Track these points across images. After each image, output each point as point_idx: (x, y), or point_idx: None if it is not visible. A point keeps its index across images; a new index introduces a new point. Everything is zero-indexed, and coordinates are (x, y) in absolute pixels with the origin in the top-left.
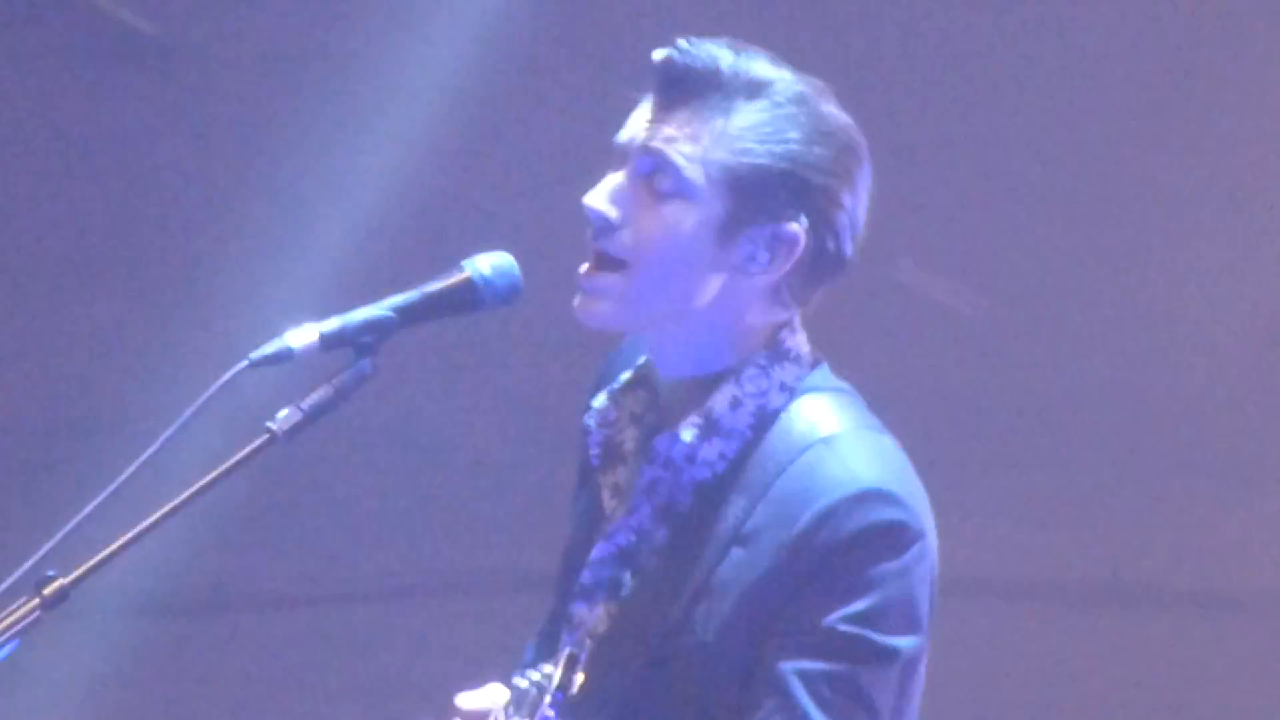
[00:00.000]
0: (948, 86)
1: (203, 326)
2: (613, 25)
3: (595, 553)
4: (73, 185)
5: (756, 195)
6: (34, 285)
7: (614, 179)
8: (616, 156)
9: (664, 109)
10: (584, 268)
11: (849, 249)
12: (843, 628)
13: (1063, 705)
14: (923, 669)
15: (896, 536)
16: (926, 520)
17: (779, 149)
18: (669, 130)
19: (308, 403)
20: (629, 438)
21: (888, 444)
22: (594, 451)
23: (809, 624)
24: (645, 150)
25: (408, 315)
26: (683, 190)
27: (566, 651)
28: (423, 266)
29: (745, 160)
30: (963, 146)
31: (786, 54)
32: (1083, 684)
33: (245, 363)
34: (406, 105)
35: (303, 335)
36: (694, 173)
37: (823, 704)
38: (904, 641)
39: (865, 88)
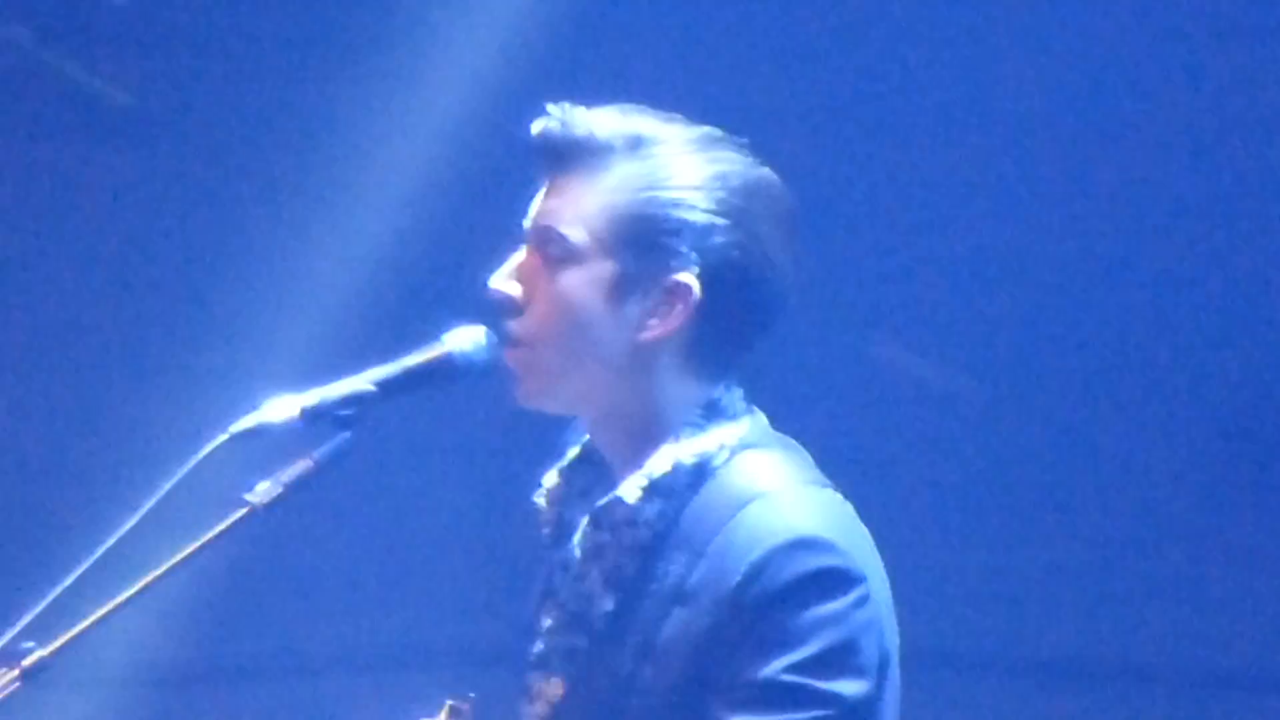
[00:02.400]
0: (923, 158)
1: (183, 397)
2: (622, 61)
3: (548, 622)
4: (48, 258)
5: (642, 249)
6: (10, 356)
7: (515, 258)
8: (520, 234)
9: (551, 182)
10: (505, 354)
11: (759, 295)
12: (784, 678)
13: None
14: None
15: (833, 582)
16: (868, 567)
17: (659, 195)
18: (554, 202)
19: (287, 476)
20: (578, 514)
21: (828, 496)
22: (545, 530)
23: (750, 677)
24: (536, 220)
25: (387, 389)
26: (570, 254)
27: (448, 704)
28: (406, 331)
29: (629, 216)
30: (939, 219)
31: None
32: None
33: (225, 436)
34: (382, 176)
35: (283, 408)
36: (577, 235)
37: None
38: (847, 688)
39: (844, 160)
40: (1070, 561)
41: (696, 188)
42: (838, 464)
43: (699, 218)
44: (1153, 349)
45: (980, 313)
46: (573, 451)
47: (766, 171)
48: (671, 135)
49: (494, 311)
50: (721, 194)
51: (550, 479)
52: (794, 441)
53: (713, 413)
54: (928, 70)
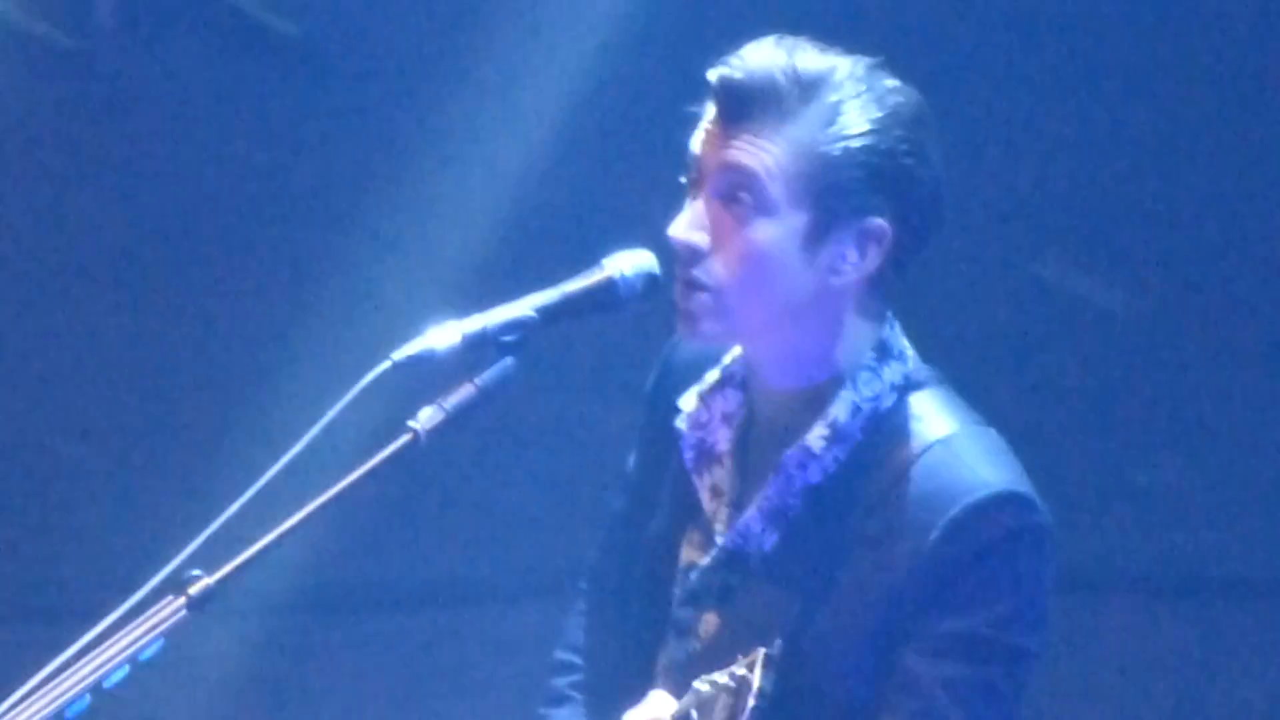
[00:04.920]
0: (1080, 77)
1: (344, 324)
2: (740, 18)
3: (701, 557)
4: (208, 182)
5: (836, 197)
6: (175, 280)
7: (694, 207)
8: (690, 179)
9: (729, 127)
10: (677, 293)
11: (936, 220)
12: (983, 631)
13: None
14: None
15: (1034, 540)
16: (1047, 513)
17: (850, 145)
18: (738, 152)
19: (451, 402)
20: (722, 439)
21: (996, 439)
22: (688, 455)
23: (949, 629)
24: (722, 171)
25: (549, 315)
26: (764, 207)
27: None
28: (556, 265)
29: (819, 165)
30: (1103, 141)
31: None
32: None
33: (388, 363)
34: (539, 102)
35: (445, 335)
36: (773, 188)
37: (966, 709)
38: (1035, 641)
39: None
40: (1232, 479)
41: (876, 130)
42: (1011, 390)
43: (884, 160)
44: None
45: (1142, 231)
46: (712, 375)
47: (919, 95)
48: (842, 74)
49: (677, 260)
50: (899, 131)
51: (689, 403)
52: (938, 371)
53: (884, 354)
54: None
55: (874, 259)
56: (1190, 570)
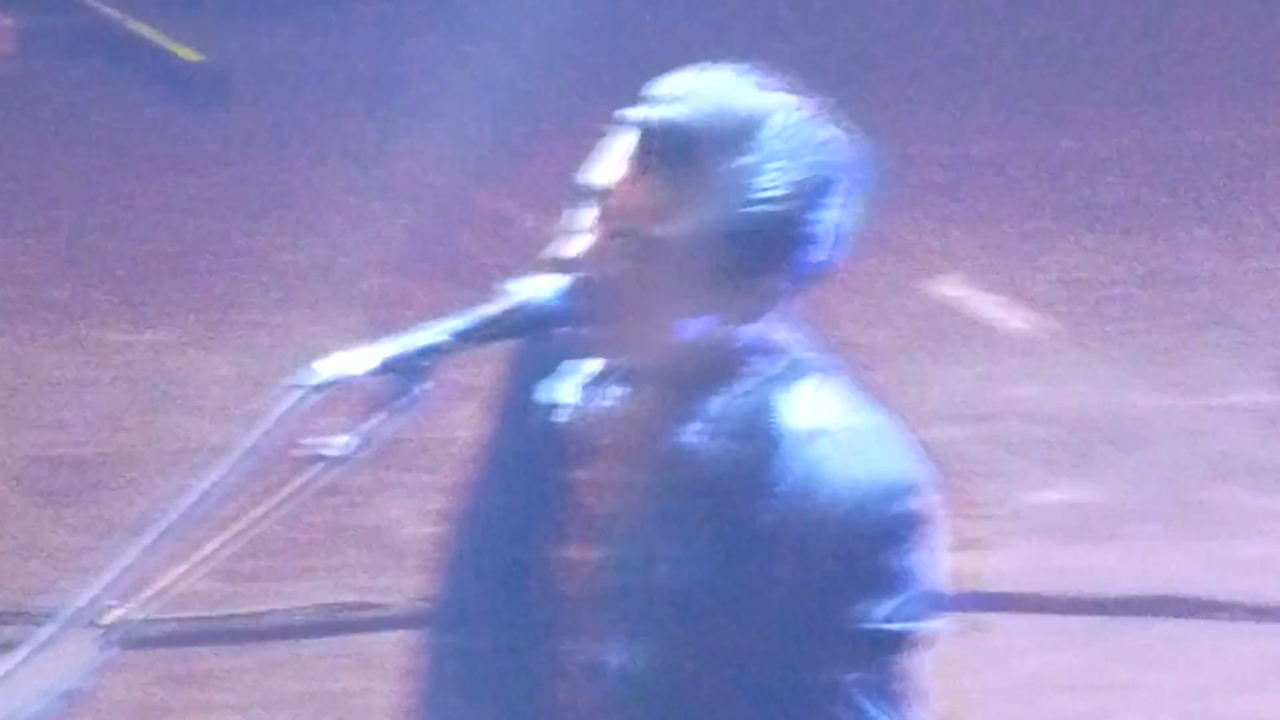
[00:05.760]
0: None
1: (250, 351)
2: (654, 32)
3: (591, 556)
4: (112, 211)
5: (738, 256)
6: (75, 306)
7: (589, 234)
8: (593, 199)
9: (643, 170)
10: (573, 305)
11: (832, 269)
12: (886, 625)
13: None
14: None
15: (928, 528)
16: (938, 501)
17: (762, 210)
18: (647, 199)
19: (363, 429)
20: (603, 431)
21: (884, 422)
22: (569, 448)
23: (856, 626)
24: (623, 216)
25: (463, 339)
26: (659, 255)
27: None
28: (468, 289)
29: (727, 227)
30: (1015, 161)
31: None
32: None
33: (302, 390)
34: (443, 125)
35: (360, 361)
36: (671, 242)
37: (885, 705)
38: (934, 626)
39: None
40: (1131, 498)
41: (792, 196)
42: (919, 409)
43: (792, 228)
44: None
45: (1042, 247)
46: (593, 366)
47: (850, 143)
48: (774, 126)
49: (576, 282)
50: (815, 197)
51: (568, 394)
52: (831, 358)
53: (766, 346)
54: None
55: (765, 310)
56: (1090, 590)
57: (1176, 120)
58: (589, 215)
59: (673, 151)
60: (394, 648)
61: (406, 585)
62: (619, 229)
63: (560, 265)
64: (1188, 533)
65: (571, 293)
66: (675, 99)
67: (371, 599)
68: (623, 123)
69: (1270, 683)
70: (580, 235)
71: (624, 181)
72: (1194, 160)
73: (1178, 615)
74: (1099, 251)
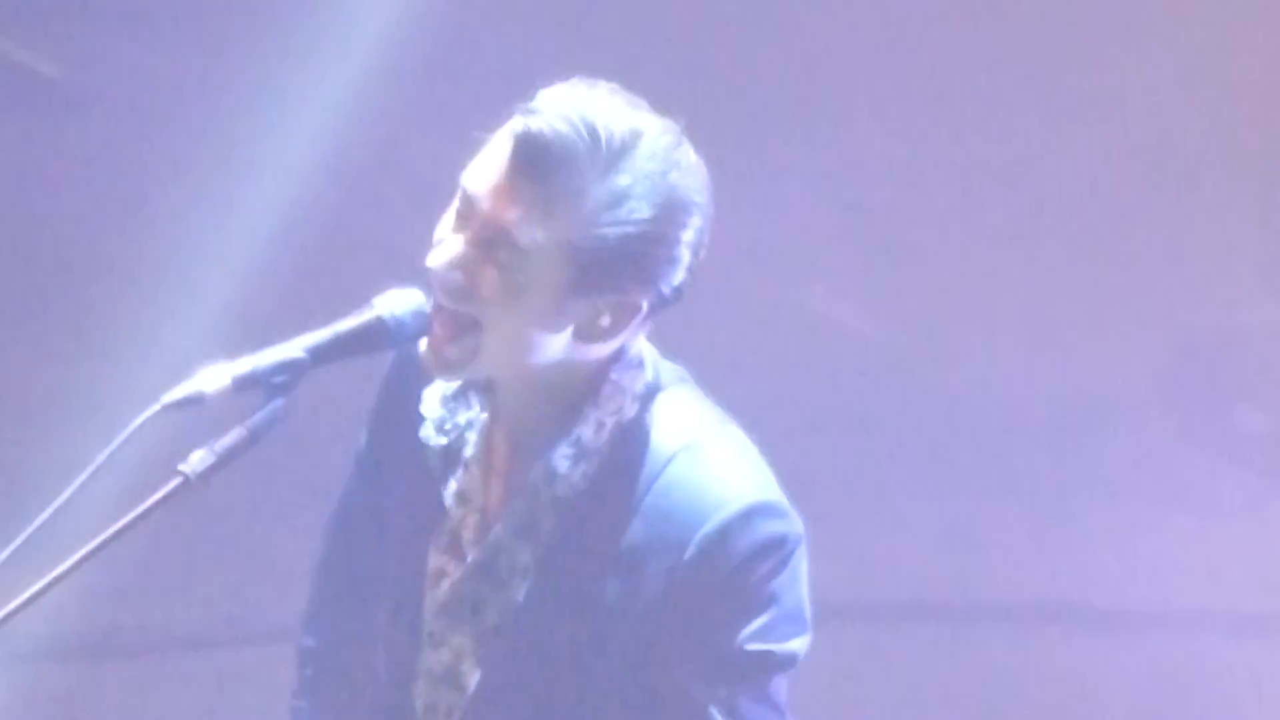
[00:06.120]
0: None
1: (110, 369)
2: (515, 46)
3: (454, 569)
4: None
5: (601, 273)
6: None
7: (455, 242)
8: (459, 210)
9: (516, 179)
10: (433, 319)
11: (691, 289)
12: (749, 646)
13: None
14: None
15: (789, 548)
16: (797, 516)
17: (629, 231)
18: (517, 207)
19: (221, 445)
20: (468, 444)
21: (741, 439)
22: (434, 461)
23: (715, 647)
24: (492, 225)
25: (318, 355)
26: (523, 269)
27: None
28: (326, 304)
29: (592, 242)
30: (872, 173)
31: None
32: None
33: (157, 406)
34: (300, 139)
35: (215, 377)
36: (538, 253)
37: None
38: (801, 644)
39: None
40: (1004, 506)
41: (658, 219)
42: (785, 420)
43: (657, 249)
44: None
45: (904, 263)
46: (455, 380)
47: (704, 168)
48: (644, 150)
49: (434, 289)
50: (680, 220)
51: (432, 409)
52: (680, 368)
53: (624, 364)
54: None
55: (624, 329)
56: (954, 597)
57: (1042, 130)
58: (459, 222)
59: (547, 163)
60: (267, 662)
61: (276, 599)
62: (486, 236)
63: (426, 273)
64: (1051, 542)
65: (434, 305)
66: (553, 112)
67: (241, 613)
68: (499, 132)
69: (1140, 688)
70: (449, 242)
71: (496, 190)
72: (1061, 172)
73: (1046, 622)
74: (970, 262)
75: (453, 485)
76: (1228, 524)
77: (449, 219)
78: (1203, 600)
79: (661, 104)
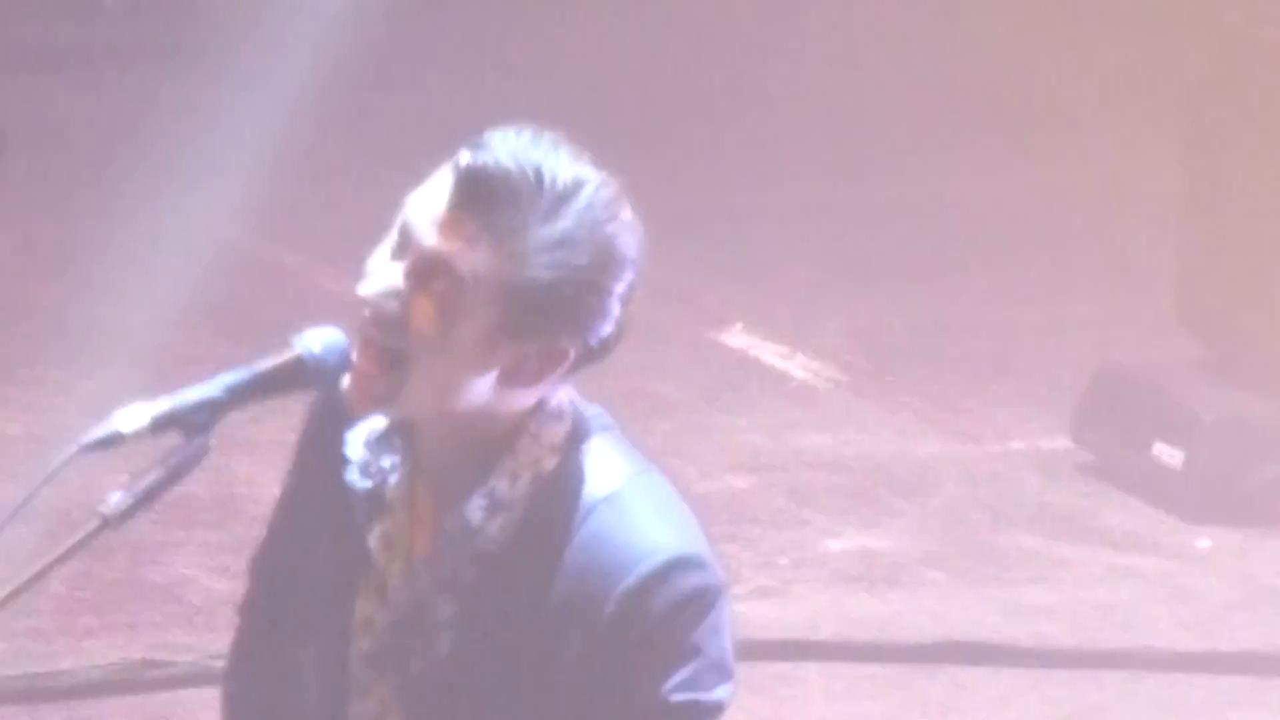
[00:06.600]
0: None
1: (34, 410)
2: (435, 91)
3: (377, 618)
4: None
5: (534, 316)
6: None
7: (392, 271)
8: (399, 236)
9: (458, 213)
10: (356, 354)
11: (618, 343)
12: (675, 698)
13: None
14: None
15: (710, 599)
16: (718, 566)
17: (565, 278)
18: (458, 240)
19: (140, 486)
20: (391, 487)
21: (662, 487)
22: (358, 505)
23: (640, 700)
24: (431, 256)
25: (238, 394)
26: (461, 298)
27: None
28: (244, 344)
29: (529, 283)
30: (793, 213)
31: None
32: None
33: (76, 448)
34: (227, 178)
35: (133, 417)
36: (475, 286)
37: None
38: (725, 692)
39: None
40: (926, 544)
41: (594, 268)
42: (707, 459)
43: (591, 298)
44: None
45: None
46: (376, 423)
47: (640, 227)
48: (584, 199)
49: (364, 320)
50: (613, 272)
51: (356, 451)
52: (599, 409)
53: (543, 415)
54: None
55: (549, 376)
56: (881, 637)
57: (958, 170)
58: (396, 253)
59: (491, 198)
60: (185, 705)
61: (196, 642)
62: (424, 267)
63: (355, 306)
64: (974, 579)
65: (361, 339)
66: (500, 149)
67: (162, 656)
68: (443, 167)
69: None
70: (385, 270)
71: (438, 221)
72: (974, 209)
73: (967, 662)
74: (883, 301)
75: (377, 531)
76: (1146, 561)
77: (384, 250)
78: (1121, 638)
79: (573, 138)
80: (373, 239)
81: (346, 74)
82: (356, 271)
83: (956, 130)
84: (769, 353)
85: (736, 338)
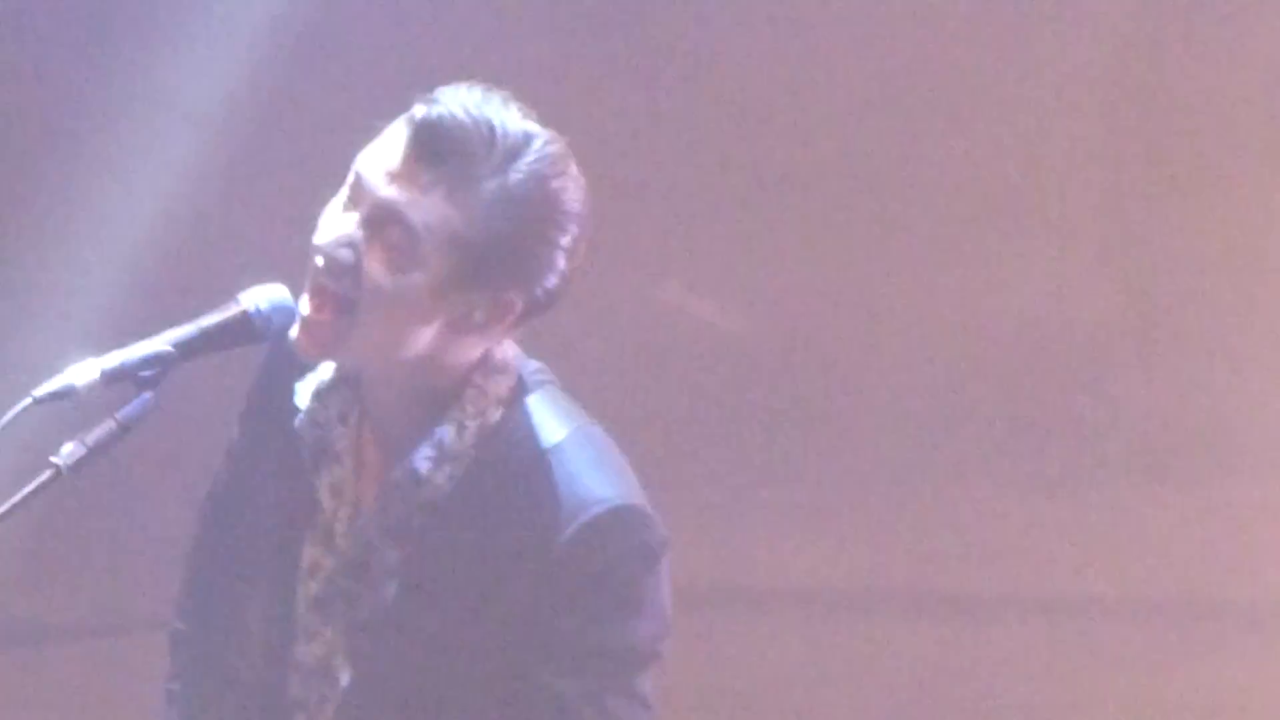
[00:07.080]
0: (717, 113)
1: None
2: (384, 45)
3: (324, 561)
4: None
5: (482, 267)
6: None
7: (346, 221)
8: (352, 188)
9: (411, 164)
10: (306, 303)
11: (564, 297)
12: (615, 642)
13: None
14: None
15: (654, 553)
16: (659, 520)
17: (513, 229)
18: (411, 190)
19: (91, 437)
20: (339, 437)
21: (605, 441)
22: (306, 453)
23: (581, 644)
24: (384, 205)
25: (185, 349)
26: (411, 256)
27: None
28: (194, 299)
29: (479, 235)
30: (730, 165)
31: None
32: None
33: (29, 400)
34: (176, 134)
35: (85, 371)
36: (427, 235)
37: (612, 717)
38: (664, 643)
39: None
40: (860, 496)
41: (542, 220)
42: (641, 413)
43: (538, 249)
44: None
45: (766, 256)
46: (327, 371)
47: (585, 184)
48: (534, 153)
49: (315, 268)
50: (560, 224)
51: (305, 401)
52: (540, 364)
53: (489, 368)
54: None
55: (497, 327)
56: (811, 584)
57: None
58: (349, 204)
59: (444, 149)
60: (140, 649)
61: (149, 587)
62: (378, 216)
63: (308, 253)
64: (909, 528)
65: (311, 287)
66: (453, 103)
67: (115, 602)
68: (396, 121)
69: (994, 675)
70: (339, 220)
71: (391, 172)
72: (921, 165)
73: (898, 610)
74: (822, 257)
75: (325, 479)
76: (1079, 512)
77: (338, 202)
78: (1056, 586)
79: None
80: (322, 199)
81: (299, 35)
82: (304, 229)
83: (895, 94)
84: (702, 309)
85: (670, 294)
